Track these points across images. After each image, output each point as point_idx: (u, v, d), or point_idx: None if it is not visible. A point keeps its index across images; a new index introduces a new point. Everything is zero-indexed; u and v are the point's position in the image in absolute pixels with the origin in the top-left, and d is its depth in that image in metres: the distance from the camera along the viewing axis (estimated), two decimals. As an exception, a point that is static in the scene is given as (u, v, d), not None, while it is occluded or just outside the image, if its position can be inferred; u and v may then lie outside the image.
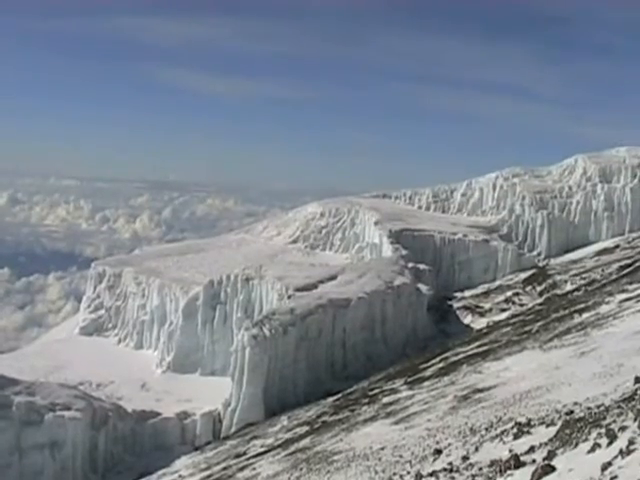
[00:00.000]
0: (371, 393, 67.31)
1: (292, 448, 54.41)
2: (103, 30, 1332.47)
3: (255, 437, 69.87)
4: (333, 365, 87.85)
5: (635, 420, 18.57)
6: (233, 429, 78.98)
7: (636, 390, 25.11)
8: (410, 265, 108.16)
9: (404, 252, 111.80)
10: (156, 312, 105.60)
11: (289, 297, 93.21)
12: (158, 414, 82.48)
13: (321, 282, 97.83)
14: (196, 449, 78.29)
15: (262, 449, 61.84)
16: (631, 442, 15.94)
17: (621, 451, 15.48)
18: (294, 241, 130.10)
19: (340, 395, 75.90)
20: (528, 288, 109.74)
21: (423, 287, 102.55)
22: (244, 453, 63.88)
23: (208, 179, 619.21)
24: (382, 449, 38.79)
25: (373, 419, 51.64)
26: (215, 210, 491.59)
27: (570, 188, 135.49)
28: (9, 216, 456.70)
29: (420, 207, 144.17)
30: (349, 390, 76.96)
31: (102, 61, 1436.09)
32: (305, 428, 63.84)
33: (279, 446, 58.98)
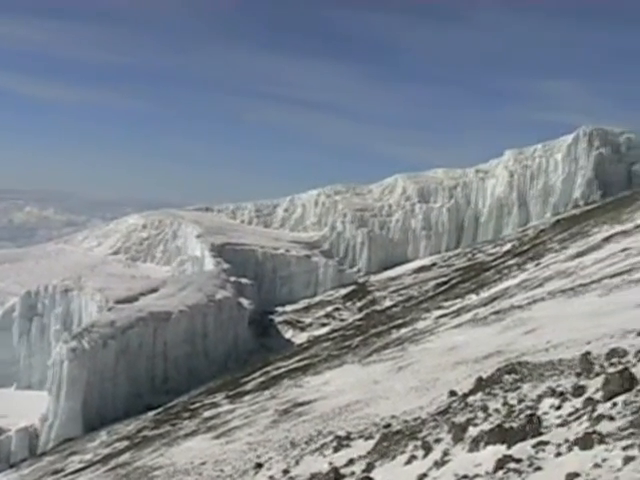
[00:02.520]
0: (192, 407, 66.92)
1: (112, 463, 53.48)
2: None
3: (73, 453, 68.32)
4: (154, 379, 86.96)
5: (449, 432, 19.23)
6: (51, 445, 77.01)
7: (450, 403, 26.03)
8: (232, 279, 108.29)
9: (226, 266, 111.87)
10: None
11: (109, 309, 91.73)
12: (-30, 429, 79.52)
13: (142, 295, 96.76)
14: (11, 466, 75.76)
15: (81, 465, 60.51)
16: (445, 453, 16.51)
17: (436, 462, 15.98)
18: (115, 252, 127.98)
19: (161, 409, 75.19)
20: (348, 304, 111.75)
21: (245, 301, 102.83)
22: (62, 469, 62.38)
23: (26, 186, 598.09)
24: (203, 464, 38.66)
25: (194, 433, 51.37)
26: (33, 218, 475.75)
27: (390, 207, 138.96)
28: None
29: (243, 221, 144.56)
30: (170, 404, 76.36)
31: None
32: (125, 443, 62.87)
33: (98, 462, 57.86)
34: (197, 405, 66.82)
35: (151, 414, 74.59)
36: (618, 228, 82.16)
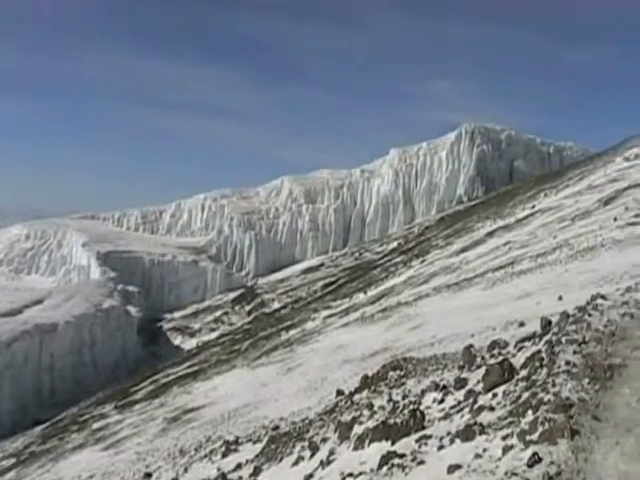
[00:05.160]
0: (80, 419, 65.61)
1: (-4, 482, 52.02)
2: None
3: (-44, 474, 66.10)
4: (40, 392, 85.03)
5: (335, 431, 19.12)
6: None
7: (337, 402, 25.97)
8: (119, 287, 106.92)
9: (113, 274, 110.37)
10: None
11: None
12: None
13: (27, 307, 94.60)
14: None
15: (-37, 487, 58.55)
16: (331, 452, 16.37)
17: (322, 462, 15.85)
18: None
19: (48, 423, 73.45)
20: (237, 307, 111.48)
21: (132, 309, 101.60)
22: (-57, 492, 60.24)
23: None
24: (91, 477, 37.91)
25: (82, 446, 50.36)
26: None
27: (277, 209, 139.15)
28: None
29: (129, 228, 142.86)
30: (58, 417, 74.72)
31: None
32: (12, 460, 61.17)
33: (-18, 481, 56.10)
34: (86, 417, 65.54)
35: (38, 429, 72.79)
36: (500, 222, 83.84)
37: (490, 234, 77.30)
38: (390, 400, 20.05)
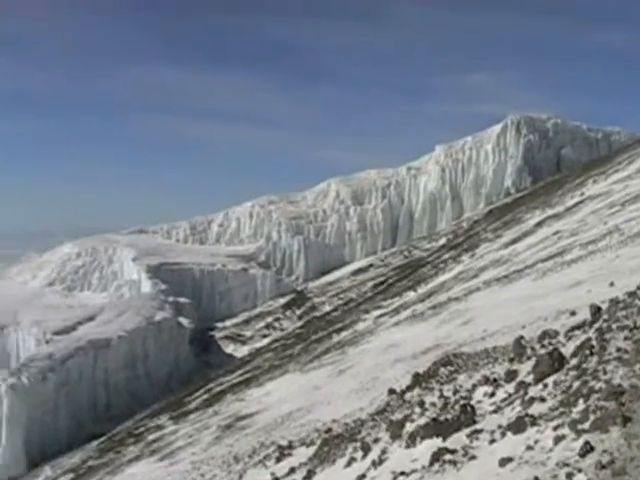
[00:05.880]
0: (136, 432, 65.96)
1: (57, 497, 52.48)
2: None
3: (18, 491, 66.95)
4: (96, 407, 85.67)
5: (387, 430, 18.87)
6: (-6, 486, 75.31)
7: (389, 401, 25.71)
8: (170, 299, 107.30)
9: (163, 287, 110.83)
10: None
11: (47, 342, 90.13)
12: None
13: (80, 323, 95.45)
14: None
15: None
16: (383, 452, 16.17)
17: (374, 462, 15.66)
18: (50, 283, 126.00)
19: (105, 437, 73.95)
20: (288, 312, 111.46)
21: (184, 320, 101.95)
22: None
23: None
24: (148, 488, 38.00)
25: (138, 458, 50.58)
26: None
27: (324, 212, 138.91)
28: None
29: (178, 240, 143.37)
30: (114, 431, 75.16)
31: None
32: (70, 475, 61.80)
33: (43, 497, 56.71)
34: (141, 429, 65.87)
35: (95, 443, 73.36)
36: (549, 212, 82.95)
37: (539, 224, 76.49)
38: (441, 396, 19.82)
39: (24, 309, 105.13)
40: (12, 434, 76.33)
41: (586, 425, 9.62)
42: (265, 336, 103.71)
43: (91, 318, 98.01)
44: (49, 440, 78.75)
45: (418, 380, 25.10)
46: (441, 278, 75.71)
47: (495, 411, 13.82)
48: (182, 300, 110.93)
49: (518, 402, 13.21)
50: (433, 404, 19.18)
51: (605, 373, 11.24)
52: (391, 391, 28.06)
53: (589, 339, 14.40)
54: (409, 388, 24.91)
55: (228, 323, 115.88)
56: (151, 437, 57.38)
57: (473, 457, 11.23)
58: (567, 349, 15.12)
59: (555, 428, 10.32)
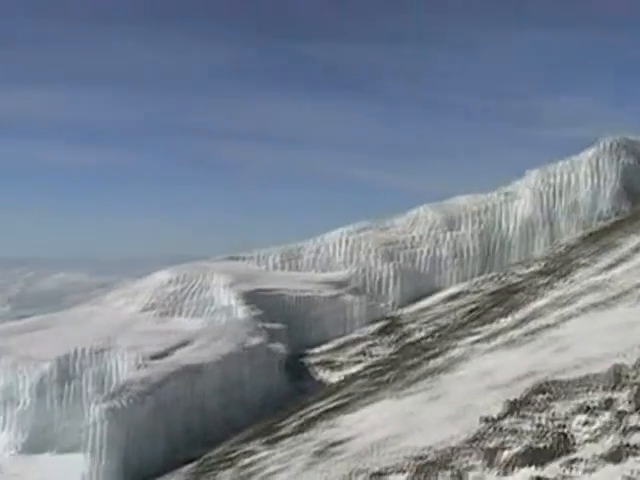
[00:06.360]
0: (229, 457, 66.33)
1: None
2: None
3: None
4: (191, 432, 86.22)
5: (481, 458, 18.62)
6: (91, 507, 76.53)
7: (482, 429, 25.35)
8: (263, 325, 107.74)
9: (257, 313, 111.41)
10: (5, 393, 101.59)
11: (143, 366, 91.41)
12: (10, 499, 79.32)
13: (175, 348, 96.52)
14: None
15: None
16: (478, 480, 15.93)
17: (467, 491, 15.42)
18: (145, 309, 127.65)
19: (198, 462, 74.51)
20: (380, 339, 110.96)
21: (277, 346, 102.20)
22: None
23: (53, 253, 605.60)
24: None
25: (231, 483, 50.82)
26: (64, 284, 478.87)
27: (417, 238, 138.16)
28: None
29: (272, 267, 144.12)
30: (207, 455, 75.67)
31: None
32: (164, 499, 62.44)
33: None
34: (234, 454, 66.21)
35: (188, 467, 73.95)
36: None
37: (637, 249, 74.88)
38: (536, 424, 19.44)
39: (120, 334, 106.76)
40: (110, 456, 77.59)
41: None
42: (358, 362, 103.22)
43: (185, 343, 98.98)
44: (146, 463, 79.60)
45: (512, 408, 24.72)
46: (536, 304, 74.61)
47: (592, 440, 13.55)
48: (275, 326, 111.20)
49: (616, 431, 12.89)
50: (528, 432, 18.87)
51: None
52: (485, 419, 27.67)
53: (690, 366, 14.01)
54: (503, 416, 24.53)
55: (320, 349, 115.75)
56: (244, 462, 57.63)
57: (569, 487, 10.95)
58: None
59: (655, 458, 10.01)
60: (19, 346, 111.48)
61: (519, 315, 72.65)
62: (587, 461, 11.53)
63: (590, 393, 20.97)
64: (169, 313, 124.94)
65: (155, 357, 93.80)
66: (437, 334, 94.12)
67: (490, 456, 17.79)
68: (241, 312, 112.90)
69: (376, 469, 30.00)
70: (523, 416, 22.52)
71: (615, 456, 10.83)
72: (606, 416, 14.92)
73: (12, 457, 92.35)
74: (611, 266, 73.17)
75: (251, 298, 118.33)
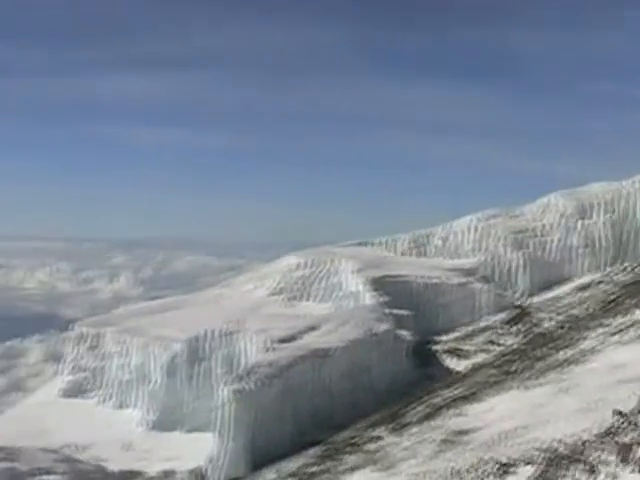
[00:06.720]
0: (355, 441, 66.76)
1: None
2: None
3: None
4: (317, 415, 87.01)
5: (615, 454, 18.32)
6: (218, 484, 78.19)
7: (615, 423, 24.90)
8: (390, 311, 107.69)
9: (384, 299, 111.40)
10: (138, 371, 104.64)
11: (271, 349, 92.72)
12: (142, 473, 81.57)
13: (302, 333, 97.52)
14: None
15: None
16: (614, 476, 15.73)
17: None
18: (274, 293, 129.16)
19: (325, 445, 75.23)
20: (508, 328, 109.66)
21: (404, 333, 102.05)
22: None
23: (185, 235, 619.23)
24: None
25: (358, 468, 51.13)
26: (195, 266, 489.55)
27: (547, 226, 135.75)
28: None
29: (400, 253, 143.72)
30: (333, 439, 76.34)
31: (64, 124, 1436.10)
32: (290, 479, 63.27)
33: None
34: (359, 439, 66.58)
35: (315, 450, 74.69)
36: None
37: None
38: (672, 420, 18.99)
39: (249, 317, 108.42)
40: (237, 436, 78.96)
41: None
42: (485, 351, 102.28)
43: (313, 328, 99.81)
44: (273, 445, 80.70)
45: (647, 402, 24.20)
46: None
47: None
48: (402, 312, 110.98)
49: None
50: (664, 428, 18.42)
51: None
52: (618, 413, 27.16)
53: None
54: (637, 411, 24.05)
55: (447, 337, 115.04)
56: (369, 447, 57.91)
57: None
58: None
59: None
60: (151, 326, 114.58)
61: (654, 308, 70.91)
62: None
63: None
64: (297, 297, 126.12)
65: (283, 340, 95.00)
66: (567, 325, 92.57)
67: (625, 451, 17.49)
68: (369, 298, 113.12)
69: (504, 460, 29.83)
70: (658, 411, 22.02)
71: None
72: None
73: (143, 434, 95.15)
74: None
75: (379, 284, 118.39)
